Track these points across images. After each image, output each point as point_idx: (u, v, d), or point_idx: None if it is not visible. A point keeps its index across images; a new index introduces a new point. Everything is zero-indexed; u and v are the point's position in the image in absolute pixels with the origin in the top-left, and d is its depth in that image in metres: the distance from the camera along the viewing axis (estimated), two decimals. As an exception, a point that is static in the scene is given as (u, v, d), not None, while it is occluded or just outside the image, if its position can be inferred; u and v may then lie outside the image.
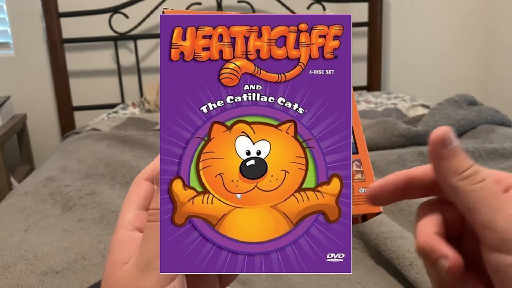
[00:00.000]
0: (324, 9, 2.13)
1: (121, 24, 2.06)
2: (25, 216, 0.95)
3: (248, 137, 0.30)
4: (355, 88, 2.28)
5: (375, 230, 0.80)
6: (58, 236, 0.88)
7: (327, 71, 0.31)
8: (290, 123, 0.31)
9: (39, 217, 0.95)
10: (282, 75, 0.31)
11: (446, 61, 2.45)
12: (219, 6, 2.06)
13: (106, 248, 0.83)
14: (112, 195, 1.04)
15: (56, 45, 1.96)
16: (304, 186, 0.30)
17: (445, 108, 1.38)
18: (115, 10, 2.00)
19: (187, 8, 2.04)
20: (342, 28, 0.32)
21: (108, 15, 2.03)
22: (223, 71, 0.31)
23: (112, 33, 2.04)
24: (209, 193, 0.30)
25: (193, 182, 0.30)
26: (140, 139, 1.39)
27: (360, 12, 2.26)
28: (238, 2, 2.09)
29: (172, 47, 0.31)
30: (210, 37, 0.31)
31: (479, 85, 2.52)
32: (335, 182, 0.30)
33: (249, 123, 0.30)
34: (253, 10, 2.07)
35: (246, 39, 0.32)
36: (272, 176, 0.30)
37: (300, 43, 0.32)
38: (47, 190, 1.07)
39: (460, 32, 2.42)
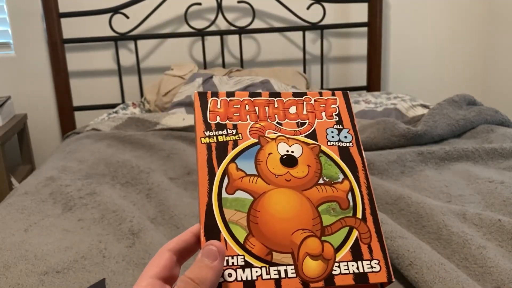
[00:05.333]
0: (324, 9, 2.13)
1: (122, 24, 2.06)
2: (25, 216, 0.96)
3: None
4: (355, 88, 2.28)
5: (374, 230, 0.80)
6: (58, 236, 0.88)
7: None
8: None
9: (40, 217, 0.95)
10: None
11: (445, 61, 2.45)
12: (219, 6, 2.07)
13: (106, 248, 0.83)
14: (113, 195, 1.04)
15: (57, 45, 1.96)
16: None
17: (445, 108, 1.38)
18: (115, 10, 2.00)
19: (187, 8, 2.05)
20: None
21: (108, 15, 2.04)
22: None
23: (112, 33, 2.05)
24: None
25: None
26: (140, 139, 1.39)
27: (360, 12, 2.26)
28: (238, 2, 2.09)
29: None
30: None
31: (478, 85, 2.52)
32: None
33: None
34: (253, 10, 2.08)
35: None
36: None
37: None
38: (47, 190, 1.07)
39: (459, 32, 2.42)
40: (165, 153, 1.29)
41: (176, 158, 1.25)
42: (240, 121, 0.44)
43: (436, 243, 0.81)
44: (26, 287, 0.72)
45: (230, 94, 0.46)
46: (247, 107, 0.45)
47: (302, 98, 0.46)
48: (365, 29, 2.26)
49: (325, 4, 2.19)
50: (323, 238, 0.39)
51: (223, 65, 2.15)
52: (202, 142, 0.43)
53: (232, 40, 2.21)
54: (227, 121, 0.44)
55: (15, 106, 2.11)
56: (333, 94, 0.47)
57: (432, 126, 1.31)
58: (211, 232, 0.39)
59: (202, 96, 0.46)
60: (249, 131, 0.44)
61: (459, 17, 2.40)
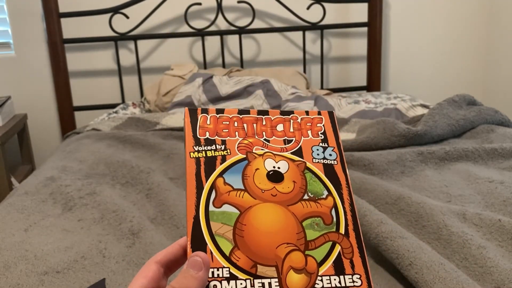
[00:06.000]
0: (324, 9, 2.13)
1: (122, 24, 2.06)
2: (25, 216, 0.96)
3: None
4: (355, 88, 2.28)
5: (375, 229, 0.80)
6: (58, 236, 0.88)
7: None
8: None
9: (40, 217, 0.95)
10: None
11: (445, 61, 2.45)
12: (219, 6, 2.07)
13: (106, 248, 0.83)
14: (113, 195, 1.04)
15: (57, 45, 1.96)
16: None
17: (445, 108, 1.38)
18: (115, 10, 2.00)
19: (187, 8, 2.05)
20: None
21: (108, 15, 2.04)
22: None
23: (112, 33, 2.05)
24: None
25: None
26: (140, 139, 1.39)
27: (360, 12, 2.26)
28: (238, 2, 2.09)
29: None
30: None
31: (478, 85, 2.52)
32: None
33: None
34: (253, 10, 2.07)
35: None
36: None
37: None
38: (47, 190, 1.07)
39: (459, 32, 2.42)
40: (165, 153, 1.29)
41: (176, 158, 1.25)
42: (228, 137, 0.46)
43: (436, 243, 0.81)
44: (26, 287, 0.72)
45: (219, 111, 0.48)
46: (236, 124, 0.47)
47: (289, 117, 0.48)
48: (365, 29, 2.26)
49: (325, 4, 2.19)
50: (306, 252, 0.40)
51: (223, 65, 2.15)
52: (191, 156, 0.44)
53: (232, 40, 2.21)
54: (216, 137, 0.46)
55: (15, 106, 2.11)
56: (319, 114, 0.49)
57: (432, 126, 1.31)
58: (198, 244, 0.40)
59: (192, 112, 0.47)
60: (237, 147, 0.45)
61: (459, 17, 2.40)
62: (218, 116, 0.47)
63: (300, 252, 0.40)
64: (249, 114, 0.48)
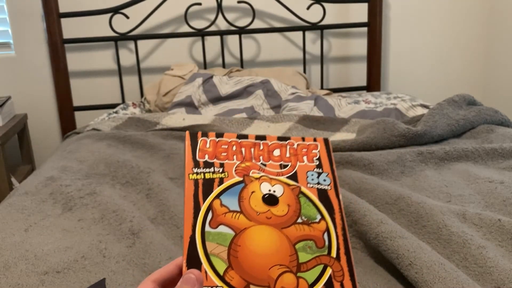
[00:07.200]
0: (324, 9, 2.13)
1: (122, 24, 2.07)
2: (25, 216, 0.96)
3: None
4: (355, 88, 2.28)
5: (374, 229, 0.80)
6: (58, 236, 0.88)
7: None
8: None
9: (40, 217, 0.95)
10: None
11: (445, 61, 2.45)
12: (219, 6, 2.07)
13: (106, 248, 0.83)
14: (113, 195, 1.04)
15: (57, 46, 1.96)
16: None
17: (445, 108, 1.38)
18: (115, 10, 2.00)
19: (187, 8, 2.05)
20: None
21: (108, 15, 2.04)
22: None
23: (112, 34, 2.05)
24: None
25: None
26: (140, 139, 1.39)
27: (360, 12, 2.26)
28: (238, 2, 2.09)
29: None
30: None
31: (478, 85, 2.52)
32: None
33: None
34: (253, 10, 2.08)
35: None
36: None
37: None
38: (47, 190, 1.07)
39: (459, 32, 2.42)
40: (165, 153, 1.29)
41: (176, 158, 1.25)
42: (227, 160, 0.48)
43: (436, 243, 0.81)
44: (26, 287, 0.72)
45: (219, 135, 0.50)
46: (234, 148, 0.49)
47: (286, 142, 0.50)
48: (365, 29, 2.26)
49: (325, 4, 2.19)
50: (298, 274, 0.41)
51: (223, 65, 2.15)
52: (190, 178, 0.46)
53: (232, 40, 2.21)
54: (215, 160, 0.48)
55: (15, 106, 2.11)
56: (315, 140, 0.51)
57: (432, 126, 1.31)
58: (193, 263, 0.41)
59: (193, 135, 0.49)
60: (235, 170, 0.47)
61: (459, 17, 2.40)
62: (217, 140, 0.49)
63: (292, 274, 0.41)
64: (247, 138, 0.50)
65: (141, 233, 0.88)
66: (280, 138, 0.50)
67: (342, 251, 0.43)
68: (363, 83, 2.34)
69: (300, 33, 2.22)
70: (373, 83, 2.24)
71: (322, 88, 2.25)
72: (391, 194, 0.95)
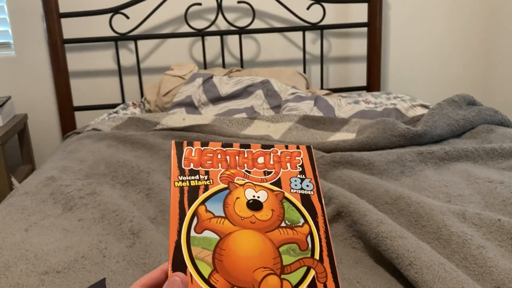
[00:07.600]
0: (324, 10, 2.13)
1: (122, 24, 2.07)
2: (25, 216, 0.96)
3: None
4: (355, 88, 2.28)
5: (374, 229, 0.80)
6: (58, 235, 0.88)
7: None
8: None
9: (40, 217, 0.95)
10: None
11: (445, 61, 2.45)
12: (219, 7, 2.07)
13: (106, 247, 0.84)
14: (113, 195, 1.04)
15: (57, 46, 1.96)
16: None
17: (444, 108, 1.38)
18: (115, 10, 2.00)
19: (187, 8, 2.05)
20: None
21: (108, 15, 2.04)
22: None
23: (112, 34, 2.05)
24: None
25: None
26: (140, 139, 1.39)
27: (360, 12, 2.26)
28: (238, 2, 2.09)
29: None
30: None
31: (478, 85, 2.52)
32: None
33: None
34: (253, 10, 2.08)
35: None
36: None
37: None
38: (47, 190, 1.07)
39: (459, 32, 2.42)
40: (165, 153, 1.29)
41: (176, 158, 1.25)
42: (212, 168, 0.49)
43: (436, 243, 0.81)
44: (26, 287, 0.72)
45: (204, 144, 0.51)
46: (219, 156, 0.50)
47: (270, 150, 0.52)
48: (365, 29, 2.26)
49: (325, 4, 2.19)
50: (282, 276, 0.42)
51: (223, 65, 2.15)
52: (176, 185, 0.47)
53: (232, 40, 2.21)
54: (200, 168, 0.49)
55: (15, 106, 2.11)
56: (298, 148, 0.53)
57: (432, 126, 1.31)
58: (178, 266, 0.42)
59: (179, 144, 0.51)
60: (220, 177, 0.48)
61: (459, 17, 2.40)
62: (202, 148, 0.51)
63: (276, 276, 0.42)
64: (232, 147, 0.51)
65: (141, 233, 0.88)
66: (264, 146, 0.52)
67: (325, 253, 0.44)
68: (363, 83, 2.34)
69: (300, 33, 2.22)
70: (373, 83, 2.24)
71: (322, 88, 2.25)
72: (391, 194, 0.95)
